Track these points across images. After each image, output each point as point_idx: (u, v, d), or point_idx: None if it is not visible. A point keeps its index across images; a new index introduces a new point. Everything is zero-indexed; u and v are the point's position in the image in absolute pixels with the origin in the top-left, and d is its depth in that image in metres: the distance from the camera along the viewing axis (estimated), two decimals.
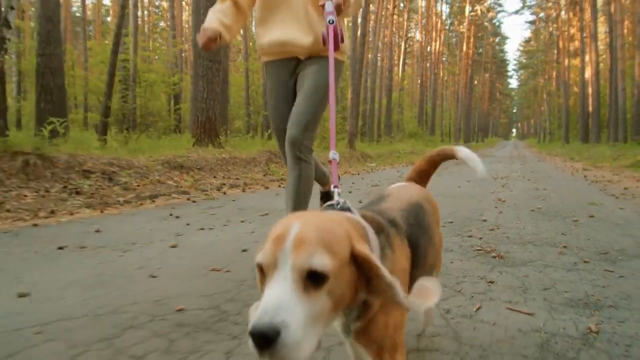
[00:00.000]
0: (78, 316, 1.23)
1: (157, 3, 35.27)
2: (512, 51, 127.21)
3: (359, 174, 7.21)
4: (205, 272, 1.66)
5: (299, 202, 1.72)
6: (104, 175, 4.04)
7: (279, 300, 0.47)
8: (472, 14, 32.18)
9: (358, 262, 0.54)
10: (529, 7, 38.07)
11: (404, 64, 31.70)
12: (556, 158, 15.07)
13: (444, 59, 36.40)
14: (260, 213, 3.04)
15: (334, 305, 0.52)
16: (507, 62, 59.82)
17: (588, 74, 20.17)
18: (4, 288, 1.47)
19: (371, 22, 20.84)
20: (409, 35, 33.01)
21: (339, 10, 1.48)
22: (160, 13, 34.13)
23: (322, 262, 0.49)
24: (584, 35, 20.72)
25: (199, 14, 13.69)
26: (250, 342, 0.45)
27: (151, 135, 11.03)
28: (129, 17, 13.94)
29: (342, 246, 0.53)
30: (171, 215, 2.95)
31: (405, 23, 28.67)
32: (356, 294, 0.56)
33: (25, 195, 3.24)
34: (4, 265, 1.73)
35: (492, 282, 1.57)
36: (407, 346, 1.06)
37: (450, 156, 1.06)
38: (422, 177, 1.11)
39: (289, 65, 1.76)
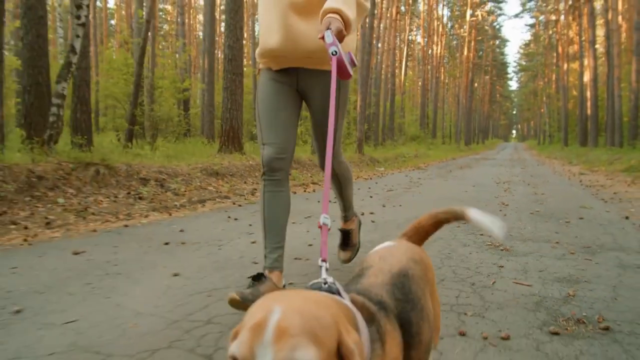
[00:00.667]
0: (221, 287, 1.80)
1: (161, 6, 35.80)
2: (512, 54, 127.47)
3: (371, 178, 7.78)
4: (291, 260, 2.23)
5: (348, 195, 2.03)
6: (157, 182, 4.62)
7: None
8: (473, 19, 32.75)
9: (342, 354, 0.48)
10: (529, 10, 38.82)
11: (406, 67, 32.32)
12: (555, 161, 15.64)
13: (444, 61, 36.99)
14: (304, 215, 3.61)
15: None
16: (508, 64, 60.49)
17: (586, 78, 20.76)
18: (158, 271, 2.04)
19: (375, 27, 21.42)
20: (410, 38, 33.63)
21: (341, 36, 1.32)
22: (164, 16, 34.66)
23: (307, 356, 0.44)
24: (583, 39, 21.30)
25: (213, 23, 14.29)
26: None
27: (170, 141, 11.61)
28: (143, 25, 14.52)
29: (330, 335, 0.47)
30: (229, 217, 3.53)
31: (407, 27, 29.27)
32: None
33: (101, 201, 3.82)
34: (140, 256, 2.30)
35: (502, 267, 2.14)
36: (448, 303, 1.63)
37: (460, 217, 0.93)
38: (420, 235, 0.96)
39: (290, 78, 1.66)
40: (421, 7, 33.15)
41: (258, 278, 1.52)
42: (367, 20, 13.68)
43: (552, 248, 2.56)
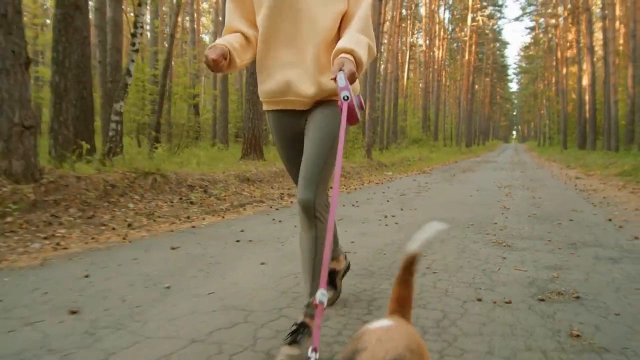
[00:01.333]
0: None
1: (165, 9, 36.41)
2: (513, 56, 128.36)
3: (382, 183, 8.42)
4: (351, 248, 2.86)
5: (319, 267, 1.56)
6: (201, 189, 5.27)
7: None
8: (474, 24, 33.40)
9: None
10: (529, 14, 39.48)
11: (409, 70, 32.98)
12: (554, 164, 16.28)
13: (445, 63, 37.64)
14: (337, 218, 4.25)
15: None
16: (508, 66, 61.15)
17: (585, 82, 21.40)
18: (247, 261, 2.69)
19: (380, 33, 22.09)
20: (411, 40, 34.31)
21: (353, 78, 1.29)
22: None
23: None
24: (581, 44, 21.92)
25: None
26: None
27: (189, 145, 12.27)
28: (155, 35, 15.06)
29: None
30: (274, 220, 4.17)
31: (409, 30, 29.93)
32: None
33: (162, 205, 4.47)
34: (224, 251, 2.95)
35: (505, 258, 2.79)
36: (468, 282, 2.27)
37: (413, 260, 0.94)
38: (403, 304, 0.94)
39: (294, 116, 1.60)
40: (423, 10, 33.87)
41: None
42: (374, 31, 14.32)
43: (545, 244, 3.21)
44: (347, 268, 2.04)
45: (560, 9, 28.19)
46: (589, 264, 2.67)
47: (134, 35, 5.31)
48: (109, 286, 2.19)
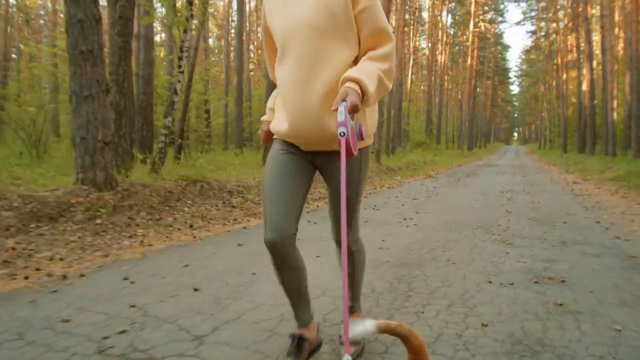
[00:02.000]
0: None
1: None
2: (514, 59, 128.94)
3: (393, 187, 9.11)
4: (383, 245, 3.55)
5: (358, 288, 1.80)
6: (238, 194, 5.96)
7: None
8: (476, 29, 34.09)
9: None
10: (530, 18, 40.17)
11: (412, 74, 33.69)
12: (553, 168, 16.96)
13: (447, 66, 38.35)
14: (363, 220, 4.93)
15: None
16: (509, 69, 61.88)
17: (584, 87, 22.07)
18: (314, 257, 3.37)
19: None
20: (414, 44, 35.03)
21: (355, 111, 1.26)
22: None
23: None
24: (581, 49, 22.58)
25: (241, 46, 15.67)
26: None
27: (207, 150, 12.98)
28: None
29: None
30: (309, 222, 4.85)
31: (412, 35, 30.62)
32: None
33: (210, 209, 5.16)
34: None
35: (508, 253, 3.48)
36: (480, 270, 2.95)
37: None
38: None
39: (304, 154, 1.56)
40: (425, 14, 34.57)
41: (298, 346, 1.58)
42: None
43: (541, 243, 3.89)
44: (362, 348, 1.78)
45: (560, 14, 28.92)
46: (575, 257, 3.36)
47: (180, 58, 6.01)
48: (207, 273, 2.88)
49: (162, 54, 18.30)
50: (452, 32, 38.42)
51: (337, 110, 1.24)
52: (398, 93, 25.51)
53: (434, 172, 14.45)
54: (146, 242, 3.73)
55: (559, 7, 29.01)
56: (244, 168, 8.47)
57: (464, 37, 38.28)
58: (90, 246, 3.50)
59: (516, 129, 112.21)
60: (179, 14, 6.01)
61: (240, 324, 2.06)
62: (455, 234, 4.25)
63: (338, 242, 1.67)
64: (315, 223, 4.78)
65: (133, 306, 2.27)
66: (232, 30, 23.96)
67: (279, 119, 1.53)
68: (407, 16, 30.39)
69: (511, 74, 64.19)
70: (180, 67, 6.02)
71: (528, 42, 71.20)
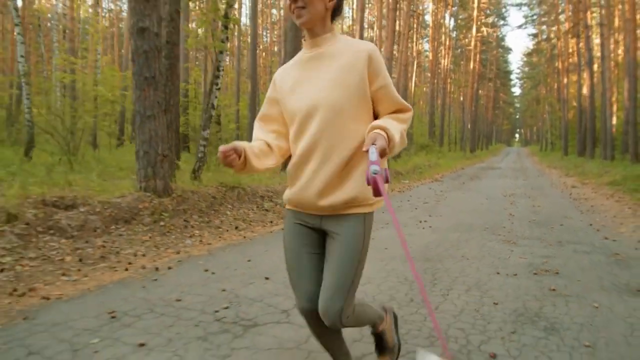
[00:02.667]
0: (417, 254, 3.80)
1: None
2: (516, 61, 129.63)
3: (403, 191, 9.77)
4: (407, 243, 4.22)
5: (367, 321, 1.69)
6: (268, 199, 6.64)
7: None
8: (479, 34, 34.75)
9: None
10: (532, 21, 40.81)
11: (415, 77, 34.40)
12: (554, 172, 17.60)
13: (450, 68, 39.04)
14: (384, 223, 5.60)
15: None
16: (511, 71, 62.50)
17: (585, 91, 22.71)
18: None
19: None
20: (417, 47, 35.74)
21: (383, 155, 1.27)
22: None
23: None
24: (581, 52, 23.20)
25: (255, 54, 16.34)
26: None
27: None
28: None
29: None
30: None
31: (415, 39, 31.32)
32: None
33: (248, 213, 5.84)
34: None
35: (512, 250, 4.15)
36: (489, 264, 3.62)
37: None
38: None
39: (313, 220, 1.55)
40: (428, 17, 35.25)
41: None
42: (388, 52, 15.72)
43: (540, 242, 4.56)
44: (395, 319, 1.94)
45: (562, 17, 29.51)
46: (568, 255, 4.03)
47: (217, 76, 6.69)
48: (269, 266, 3.55)
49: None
50: (454, 35, 39.13)
51: (367, 151, 1.25)
52: (403, 97, 26.17)
53: (439, 175, 15.10)
54: (205, 241, 4.41)
55: (560, 10, 29.63)
56: (266, 172, 9.15)
57: (466, 40, 38.99)
58: (161, 244, 4.18)
59: (518, 130, 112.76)
60: (213, 35, 6.68)
61: None
62: (466, 235, 4.92)
63: (329, 311, 1.44)
64: None
65: (224, 290, 2.94)
66: (245, 36, 24.66)
67: (294, 189, 1.52)
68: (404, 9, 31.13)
69: (513, 76, 64.90)
70: (217, 84, 6.71)
71: (530, 44, 71.82)
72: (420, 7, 34.03)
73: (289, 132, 1.55)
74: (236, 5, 26.97)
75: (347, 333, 1.91)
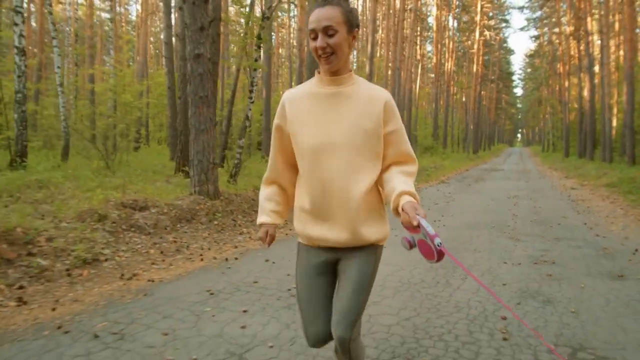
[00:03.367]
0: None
1: None
2: (518, 62, 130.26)
3: None
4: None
5: None
6: None
7: None
8: (482, 38, 35.46)
9: None
10: (534, 22, 41.50)
11: (420, 80, 35.17)
12: (554, 173, 18.33)
13: (453, 70, 39.80)
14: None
15: None
16: (513, 72, 63.20)
17: (585, 93, 23.41)
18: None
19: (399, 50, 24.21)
20: (421, 50, 36.48)
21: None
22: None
23: None
24: (582, 53, 23.86)
25: (269, 61, 17.08)
26: None
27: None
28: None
29: None
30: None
31: (419, 41, 32.07)
32: None
33: None
34: None
35: (516, 245, 4.92)
36: (498, 256, 4.38)
37: None
38: None
39: (328, 254, 1.58)
40: (431, 19, 36.03)
41: None
42: (397, 62, 16.48)
43: (540, 238, 5.31)
44: None
45: (564, 19, 30.14)
46: (563, 248, 4.78)
47: (251, 91, 7.47)
48: None
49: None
50: (457, 36, 39.86)
51: (418, 225, 1.30)
52: (407, 100, 26.96)
53: (445, 177, 15.84)
54: (254, 238, 5.18)
55: (561, 14, 30.29)
56: None
57: (469, 42, 39.74)
58: (219, 240, 4.95)
59: (520, 130, 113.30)
60: (247, 52, 7.46)
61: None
62: (476, 232, 5.68)
63: (339, 339, 1.49)
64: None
65: (288, 275, 3.71)
66: None
67: (308, 224, 1.56)
68: (410, 17, 31.90)
69: (515, 77, 65.53)
70: (251, 98, 7.48)
71: (532, 45, 72.44)
72: (424, 10, 34.78)
73: (298, 164, 1.58)
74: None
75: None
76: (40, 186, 6.64)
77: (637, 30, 20.89)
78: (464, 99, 47.63)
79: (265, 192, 1.69)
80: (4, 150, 10.64)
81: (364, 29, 26.07)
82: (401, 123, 1.55)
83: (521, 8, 41.25)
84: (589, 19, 22.27)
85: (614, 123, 21.40)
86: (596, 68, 22.36)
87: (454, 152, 34.69)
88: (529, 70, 58.23)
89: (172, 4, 13.35)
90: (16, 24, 8.97)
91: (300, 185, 1.58)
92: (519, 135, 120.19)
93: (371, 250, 1.57)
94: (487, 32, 35.84)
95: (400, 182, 1.46)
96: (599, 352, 2.37)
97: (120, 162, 9.91)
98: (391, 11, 20.72)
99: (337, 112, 1.50)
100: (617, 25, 23.17)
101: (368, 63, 14.45)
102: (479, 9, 34.55)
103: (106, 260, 3.94)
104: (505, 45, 51.75)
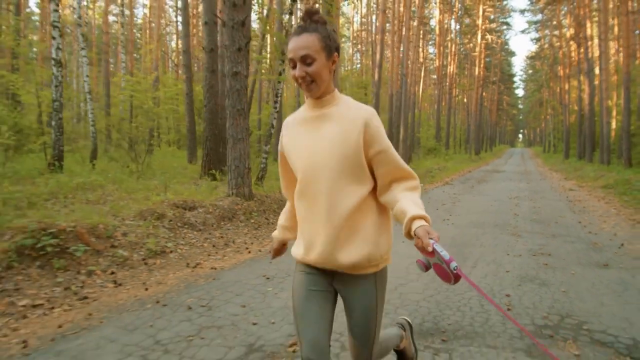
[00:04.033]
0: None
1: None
2: (519, 63, 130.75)
3: (422, 195, 11.21)
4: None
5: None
6: None
7: None
8: (484, 42, 36.14)
9: None
10: (535, 24, 42.16)
11: (423, 83, 35.83)
12: (555, 175, 19.01)
13: (455, 72, 40.49)
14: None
15: None
16: (515, 74, 63.88)
17: (585, 96, 24.06)
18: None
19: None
20: (424, 53, 37.16)
21: (437, 240, 1.35)
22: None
23: None
24: (581, 55, 24.53)
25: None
26: None
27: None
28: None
29: None
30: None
31: (422, 45, 32.74)
32: None
33: None
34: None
35: (517, 241, 5.63)
36: (501, 249, 5.09)
37: None
38: None
39: (324, 275, 1.58)
40: (433, 22, 36.66)
41: None
42: (402, 67, 17.19)
43: (539, 235, 6.03)
44: (410, 330, 2.19)
45: (564, 21, 30.79)
46: (559, 243, 5.50)
47: (275, 102, 8.19)
48: None
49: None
50: (459, 38, 40.52)
51: (433, 251, 1.33)
52: (411, 103, 27.66)
53: (449, 178, 16.54)
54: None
55: (561, 18, 30.94)
56: None
57: (471, 44, 40.42)
58: (258, 236, 5.67)
59: (521, 131, 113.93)
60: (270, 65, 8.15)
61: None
62: (481, 230, 6.39)
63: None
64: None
65: None
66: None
67: (299, 245, 1.60)
68: (415, 23, 32.56)
69: (516, 79, 66.20)
70: (276, 108, 8.20)
71: (532, 46, 73.02)
72: (426, 12, 35.46)
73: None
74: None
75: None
76: (86, 188, 7.38)
77: (637, 32, 21.62)
78: (465, 100, 48.34)
79: (285, 208, 1.85)
80: (38, 153, 11.40)
81: (371, 40, 26.68)
82: (387, 142, 1.51)
83: (522, 11, 41.89)
84: (588, 24, 22.96)
85: (614, 125, 22.08)
86: (596, 70, 23.03)
87: (456, 154, 35.40)
88: (530, 71, 58.93)
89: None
90: (53, 38, 9.72)
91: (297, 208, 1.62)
92: (520, 136, 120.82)
93: (369, 279, 1.55)
94: (488, 36, 36.52)
95: (409, 203, 1.45)
96: (581, 319, 3.08)
97: (148, 165, 10.63)
98: (396, 20, 21.43)
99: (320, 134, 1.52)
100: (616, 29, 23.86)
101: (377, 70, 15.13)
102: (480, 12, 35.24)
103: (171, 252, 4.67)
104: (506, 47, 52.41)
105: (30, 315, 3.09)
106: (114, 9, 27.41)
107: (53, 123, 9.84)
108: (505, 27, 45.89)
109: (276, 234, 1.83)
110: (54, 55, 9.71)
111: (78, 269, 3.82)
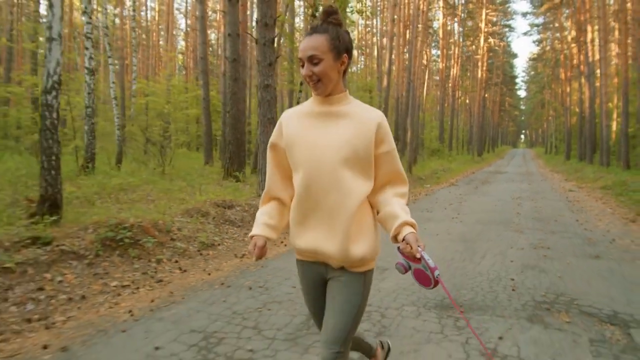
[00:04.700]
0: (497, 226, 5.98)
1: None
2: (521, 64, 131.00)
3: (428, 195, 11.91)
4: (447, 232, 6.39)
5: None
6: None
7: None
8: (486, 44, 36.77)
9: None
10: (537, 26, 42.79)
11: (427, 86, 36.54)
12: (556, 176, 19.67)
13: (458, 75, 41.13)
14: (426, 219, 7.75)
15: None
16: (517, 76, 64.47)
17: (586, 97, 24.68)
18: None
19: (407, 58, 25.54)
20: (428, 56, 37.82)
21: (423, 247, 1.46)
22: None
23: None
24: (582, 58, 25.15)
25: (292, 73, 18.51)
26: None
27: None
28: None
29: None
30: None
31: (425, 48, 33.39)
32: None
33: None
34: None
35: (520, 236, 6.32)
36: (506, 243, 5.78)
37: None
38: None
39: (319, 269, 1.67)
40: (436, 24, 37.26)
41: None
42: (408, 71, 17.87)
43: (539, 231, 6.71)
44: (387, 350, 2.26)
45: (566, 23, 31.36)
46: (557, 239, 6.18)
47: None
48: None
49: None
50: (462, 41, 41.17)
51: (421, 258, 1.43)
52: (416, 105, 28.30)
53: (454, 179, 17.21)
54: None
55: (563, 20, 31.51)
56: None
57: (473, 47, 41.07)
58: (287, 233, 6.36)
59: (523, 131, 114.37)
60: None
61: None
62: (487, 227, 7.08)
63: (326, 344, 1.57)
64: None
65: None
66: None
67: (300, 236, 1.64)
68: (419, 26, 33.23)
69: (518, 80, 66.78)
70: None
71: (535, 48, 73.55)
72: (430, 15, 36.11)
73: (293, 178, 1.65)
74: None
75: None
76: (124, 189, 8.09)
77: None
78: (467, 102, 48.95)
79: (262, 208, 1.76)
80: (70, 156, 12.12)
81: (376, 41, 27.31)
82: (394, 144, 1.60)
83: (525, 14, 42.53)
84: (589, 28, 23.59)
85: (614, 128, 22.72)
86: (598, 72, 23.61)
87: (460, 155, 36.05)
88: (532, 73, 59.53)
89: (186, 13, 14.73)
90: (86, 48, 10.45)
91: (294, 199, 1.63)
92: (522, 137, 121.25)
93: (359, 277, 1.61)
94: (491, 39, 37.16)
95: (399, 208, 1.54)
96: (572, 297, 3.77)
97: (174, 167, 11.35)
98: (401, 23, 22.13)
99: (329, 129, 1.57)
100: (617, 33, 24.46)
101: (386, 77, 15.79)
102: (483, 16, 35.89)
103: (219, 245, 5.37)
104: (508, 49, 53.01)
105: (123, 294, 3.80)
106: (127, 13, 28.23)
107: (86, 127, 10.57)
108: (507, 29, 46.62)
109: (257, 231, 1.69)
110: (86, 65, 10.44)
111: (149, 258, 4.53)
